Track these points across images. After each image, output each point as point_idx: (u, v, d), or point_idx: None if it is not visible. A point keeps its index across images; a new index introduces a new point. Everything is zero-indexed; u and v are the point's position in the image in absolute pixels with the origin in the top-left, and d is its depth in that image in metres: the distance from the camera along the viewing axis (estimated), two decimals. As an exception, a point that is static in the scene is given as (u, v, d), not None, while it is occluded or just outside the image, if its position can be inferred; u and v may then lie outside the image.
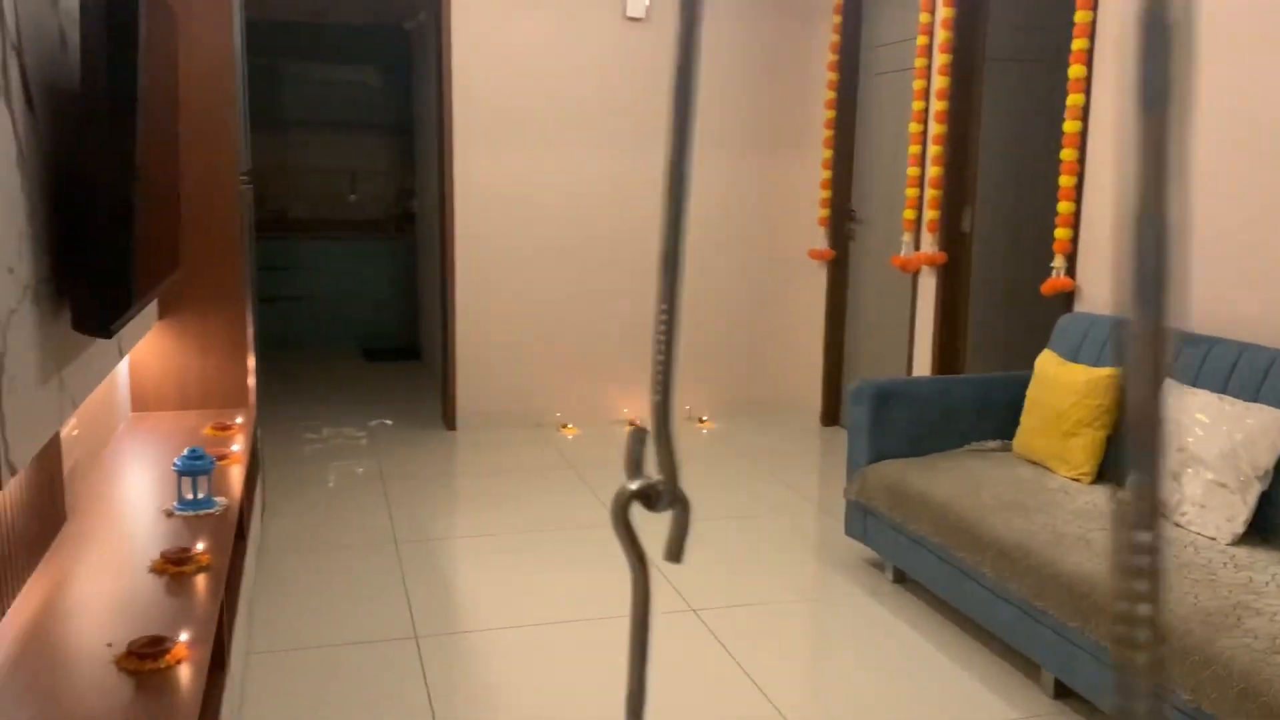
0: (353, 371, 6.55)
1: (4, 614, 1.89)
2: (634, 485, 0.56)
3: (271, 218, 7.50)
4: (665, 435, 0.54)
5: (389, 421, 5.33)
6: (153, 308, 3.26)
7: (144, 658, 1.71)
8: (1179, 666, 2.16)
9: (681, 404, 5.46)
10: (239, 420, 3.24)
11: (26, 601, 1.95)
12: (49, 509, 2.27)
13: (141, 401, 3.38)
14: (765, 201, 5.43)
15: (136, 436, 3.09)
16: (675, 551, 0.61)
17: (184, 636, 1.78)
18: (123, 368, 3.29)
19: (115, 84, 1.90)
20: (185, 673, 1.71)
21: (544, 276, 5.19)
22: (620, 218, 5.23)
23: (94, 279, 1.93)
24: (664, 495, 0.57)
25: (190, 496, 2.47)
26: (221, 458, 2.85)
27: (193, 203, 3.31)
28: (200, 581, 2.07)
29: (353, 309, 7.23)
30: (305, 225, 7.44)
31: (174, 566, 2.10)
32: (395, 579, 3.34)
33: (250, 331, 3.44)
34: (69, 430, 2.48)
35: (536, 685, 2.73)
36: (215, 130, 3.29)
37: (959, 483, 3.08)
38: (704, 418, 5.45)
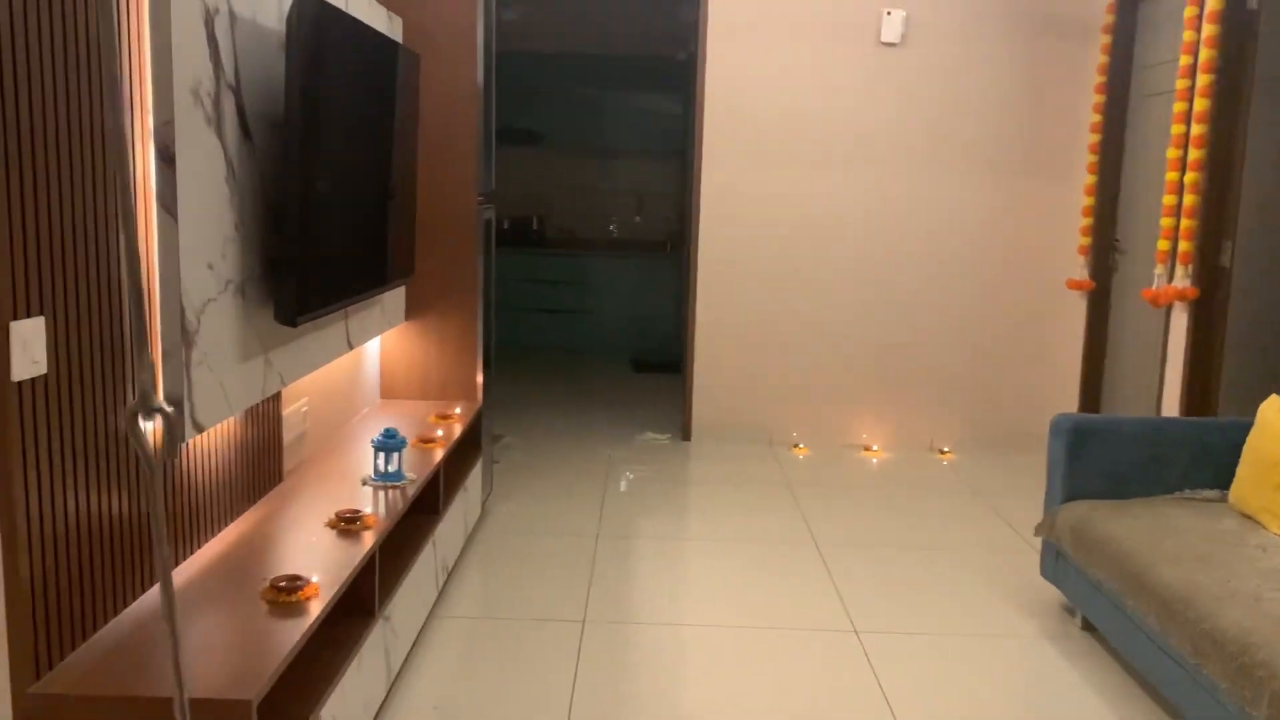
0: (619, 381, 6.95)
1: (203, 544, 2.33)
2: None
3: (563, 236, 8.12)
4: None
5: (665, 437, 5.64)
6: (400, 307, 3.74)
7: (280, 590, 2.05)
8: (1306, 740, 1.96)
9: (924, 434, 5.38)
10: (458, 411, 3.64)
11: (225, 537, 2.38)
12: (266, 469, 2.73)
13: (390, 389, 3.87)
14: (1023, 228, 5.24)
15: (375, 418, 3.56)
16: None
17: (315, 578, 2.12)
18: (373, 359, 3.80)
19: (306, 121, 2.29)
20: (313, 608, 2.04)
21: (785, 297, 5.31)
22: (866, 242, 5.25)
23: (285, 281, 2.33)
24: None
25: (383, 469, 2.85)
26: (427, 441, 3.24)
27: (434, 220, 3.76)
28: (363, 538, 2.42)
29: (629, 322, 7.68)
30: (595, 243, 7.98)
31: (344, 524, 2.47)
32: (586, 568, 3.60)
33: (479, 334, 3.85)
34: (296, 407, 2.94)
35: (680, 680, 2.88)
36: (455, 158, 3.73)
37: (1145, 528, 2.90)
38: (945, 449, 5.33)
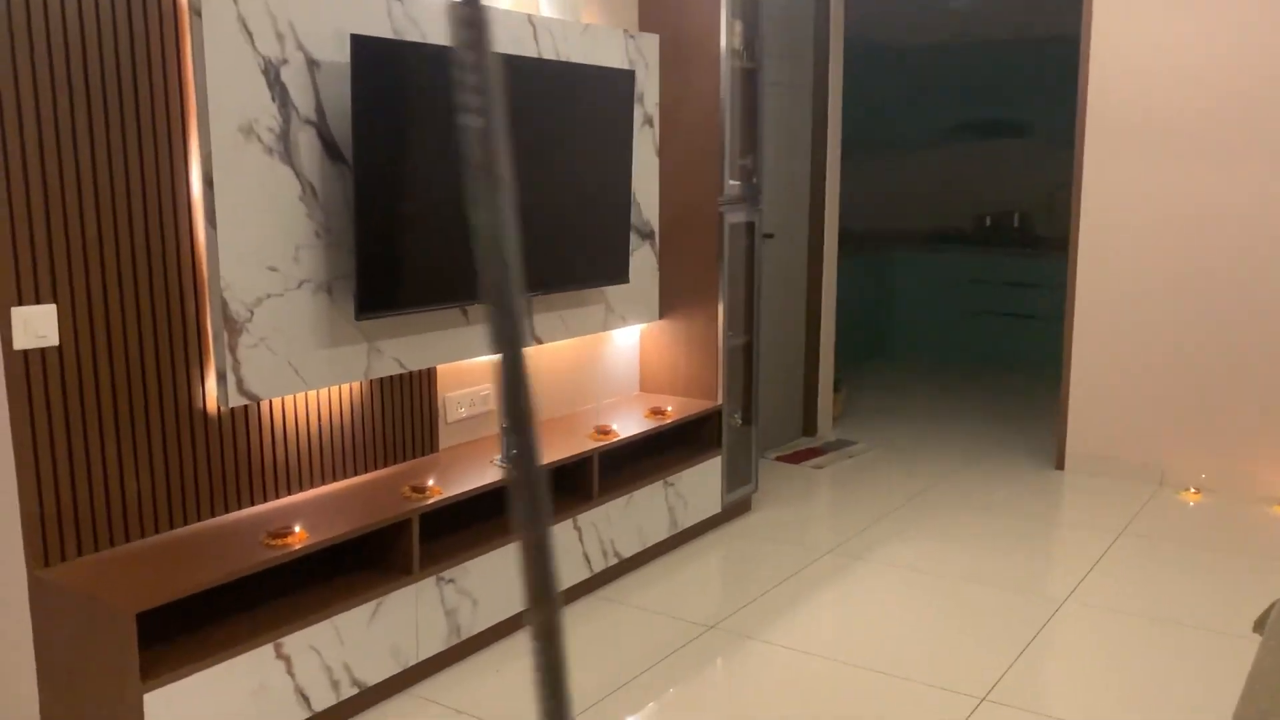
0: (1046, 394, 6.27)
1: (305, 489, 2.87)
2: None
3: (1049, 235, 7.47)
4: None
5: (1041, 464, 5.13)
6: (649, 307, 3.98)
7: (271, 535, 2.51)
8: None
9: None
10: (669, 409, 3.78)
11: (330, 488, 2.90)
12: (416, 440, 3.20)
13: (647, 382, 4.13)
14: None
15: (611, 408, 3.86)
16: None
17: (297, 528, 2.54)
18: (629, 353, 4.09)
19: (372, 145, 2.70)
20: (293, 551, 2.46)
21: (1185, 311, 4.44)
22: (1292, 245, 4.19)
23: (357, 283, 2.77)
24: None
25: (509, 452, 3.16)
26: (603, 433, 3.46)
27: (679, 226, 3.93)
28: (411, 505, 2.77)
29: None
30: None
31: (413, 492, 2.85)
32: (774, 581, 3.53)
33: (720, 336, 3.92)
34: (470, 390, 3.38)
35: (738, 699, 2.78)
36: (697, 165, 3.85)
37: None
38: (1401, 517, 4.05)
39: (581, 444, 3.38)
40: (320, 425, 2.93)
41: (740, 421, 4.11)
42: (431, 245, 2.96)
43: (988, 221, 7.73)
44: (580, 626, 3.20)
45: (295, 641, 2.47)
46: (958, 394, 6.42)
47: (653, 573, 3.61)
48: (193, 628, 2.42)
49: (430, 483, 2.89)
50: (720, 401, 3.96)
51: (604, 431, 3.47)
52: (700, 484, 3.86)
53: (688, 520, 3.82)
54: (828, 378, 5.45)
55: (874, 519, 4.14)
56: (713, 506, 3.96)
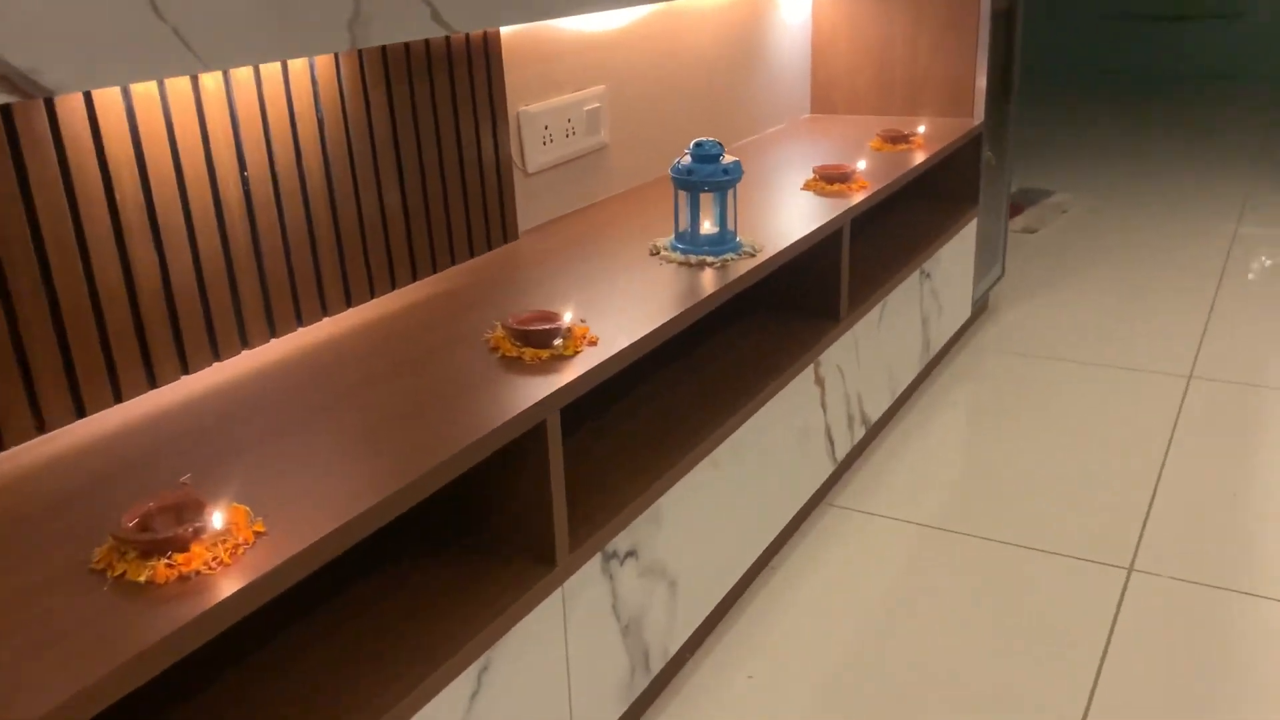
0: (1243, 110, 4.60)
1: (374, 297, 1.09)
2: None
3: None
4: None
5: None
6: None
7: (132, 548, 0.73)
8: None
9: None
10: (921, 131, 1.99)
11: (391, 299, 1.12)
12: (494, 228, 1.41)
13: (826, 97, 2.32)
14: None
15: (776, 142, 2.07)
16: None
17: (217, 516, 0.76)
18: (797, 41, 2.25)
19: None
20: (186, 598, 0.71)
21: None
22: None
23: None
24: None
25: (690, 227, 1.38)
26: (834, 180, 1.68)
27: None
28: (536, 390, 1.02)
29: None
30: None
31: (534, 348, 1.08)
32: (1140, 440, 1.89)
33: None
34: (567, 100, 1.55)
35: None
36: None
37: None
38: None
39: (809, 205, 1.60)
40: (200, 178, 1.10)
41: (994, 158, 2.34)
42: None
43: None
44: (808, 571, 1.53)
45: None
46: (1125, 121, 4.70)
47: (897, 444, 1.92)
48: None
49: (567, 320, 1.11)
50: (980, 120, 2.18)
51: (836, 179, 1.69)
52: (953, 270, 2.14)
53: (939, 338, 2.12)
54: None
55: (1192, 310, 2.49)
56: (962, 310, 2.26)
